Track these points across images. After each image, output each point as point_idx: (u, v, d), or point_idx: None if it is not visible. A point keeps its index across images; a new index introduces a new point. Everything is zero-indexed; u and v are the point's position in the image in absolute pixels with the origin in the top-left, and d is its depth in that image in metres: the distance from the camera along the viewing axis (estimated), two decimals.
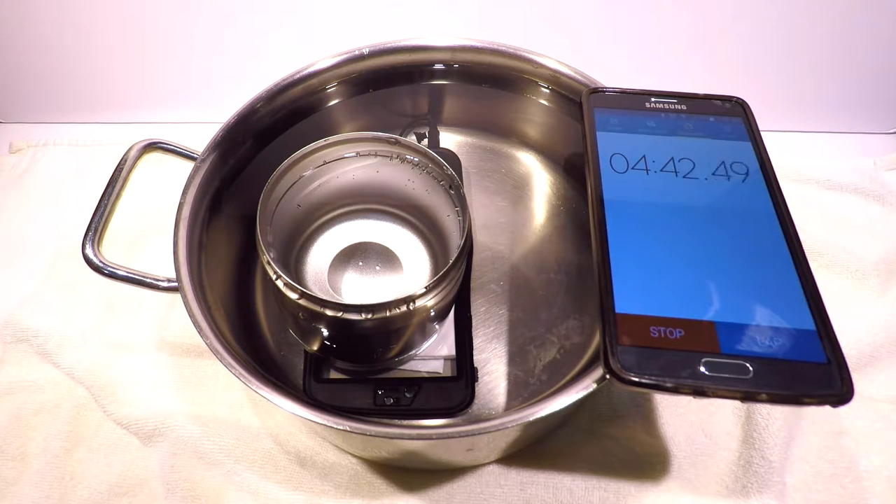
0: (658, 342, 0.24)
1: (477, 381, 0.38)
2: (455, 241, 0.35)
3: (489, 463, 0.38)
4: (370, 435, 0.27)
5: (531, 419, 0.27)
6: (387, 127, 0.40)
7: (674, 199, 0.30)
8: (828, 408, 0.27)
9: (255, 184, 0.34)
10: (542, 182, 0.47)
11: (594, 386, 0.27)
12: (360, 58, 0.40)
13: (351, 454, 0.38)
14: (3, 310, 0.45)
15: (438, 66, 0.42)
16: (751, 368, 0.24)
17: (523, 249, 0.44)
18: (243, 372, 0.29)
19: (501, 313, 0.41)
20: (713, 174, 0.31)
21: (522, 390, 0.38)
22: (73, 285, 0.46)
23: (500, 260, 0.43)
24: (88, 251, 0.33)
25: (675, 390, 0.23)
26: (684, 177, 0.31)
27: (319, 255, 0.40)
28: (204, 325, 0.30)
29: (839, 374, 0.23)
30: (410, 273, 0.39)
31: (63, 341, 0.43)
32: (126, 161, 0.36)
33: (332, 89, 0.41)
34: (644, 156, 0.32)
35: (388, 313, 0.30)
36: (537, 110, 0.44)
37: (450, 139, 0.48)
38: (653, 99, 0.34)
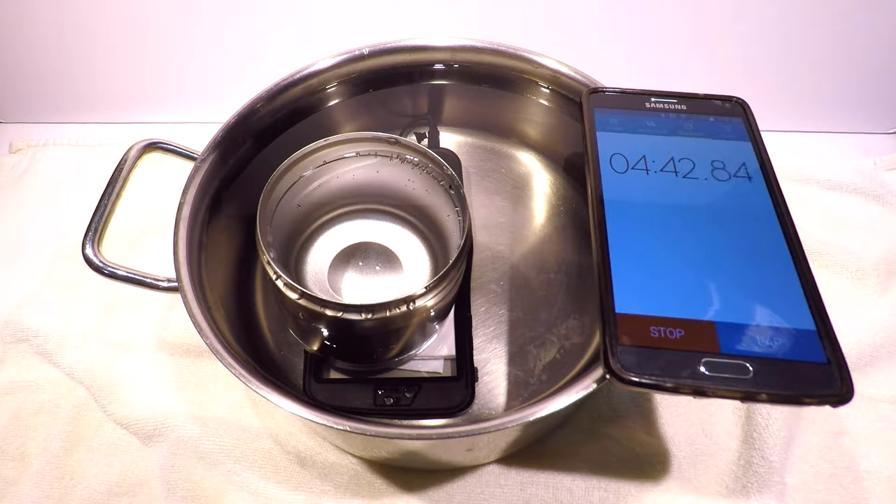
0: (658, 342, 0.24)
1: (477, 381, 0.38)
2: (455, 241, 0.35)
3: (489, 463, 0.38)
4: (370, 435, 0.27)
5: (531, 419, 0.27)
6: (387, 127, 0.40)
7: (674, 199, 0.30)
8: (828, 408, 0.27)
9: (255, 184, 0.34)
10: (542, 182, 0.47)
11: (594, 386, 0.27)
12: (360, 58, 0.40)
13: (351, 454, 0.38)
14: (3, 310, 0.45)
15: (438, 66, 0.42)
16: (751, 368, 0.24)
17: (523, 249, 0.44)
18: (243, 372, 0.29)
19: (501, 313, 0.41)
20: (713, 174, 0.31)
21: (522, 390, 0.38)
22: (73, 285, 0.46)
23: (500, 260, 0.43)
24: (88, 251, 0.33)
25: (675, 390, 0.23)
26: (684, 177, 0.31)
27: (319, 255, 0.40)
28: (204, 325, 0.30)
29: (839, 374, 0.23)
30: (410, 273, 0.39)
31: (63, 341, 0.43)
32: (126, 161, 0.36)
33: (332, 89, 0.41)
34: (644, 156, 0.32)
35: (388, 313, 0.30)
36: (537, 110, 0.44)
37: (450, 139, 0.48)
38: (653, 99, 0.34)
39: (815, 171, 0.50)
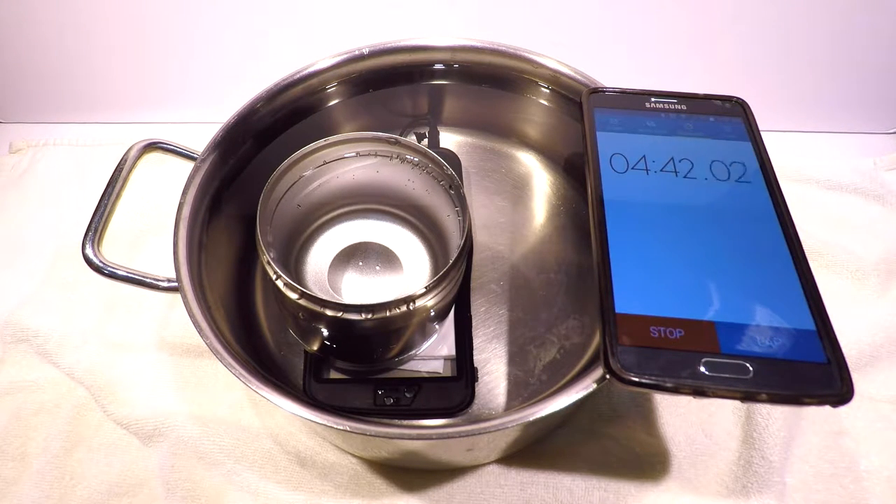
0: (658, 342, 0.24)
1: (477, 381, 0.38)
2: (455, 241, 0.35)
3: (489, 463, 0.38)
4: (370, 435, 0.27)
5: (531, 419, 0.27)
6: (387, 127, 0.40)
7: (674, 199, 0.30)
8: (828, 408, 0.27)
9: (255, 184, 0.34)
10: (542, 182, 0.47)
11: (594, 386, 0.27)
12: (360, 58, 0.40)
13: (351, 454, 0.38)
14: (3, 310, 0.45)
15: (438, 66, 0.42)
16: (751, 368, 0.24)
17: (523, 249, 0.44)
18: (243, 372, 0.29)
19: (501, 313, 0.41)
20: (713, 174, 0.31)
21: (522, 390, 0.38)
22: (73, 285, 0.46)
23: (500, 260, 0.43)
24: (88, 251, 0.33)
25: (675, 390, 0.23)
26: (684, 177, 0.31)
27: (319, 255, 0.40)
28: (204, 325, 0.30)
29: (839, 374, 0.23)
30: (410, 273, 0.39)
31: (63, 341, 0.43)
32: (126, 161, 0.36)
33: (332, 89, 0.41)
34: (644, 156, 0.32)
35: (388, 313, 0.30)
36: (537, 110, 0.44)
37: (450, 139, 0.48)
38: (653, 99, 0.34)
39: (815, 171, 0.50)
